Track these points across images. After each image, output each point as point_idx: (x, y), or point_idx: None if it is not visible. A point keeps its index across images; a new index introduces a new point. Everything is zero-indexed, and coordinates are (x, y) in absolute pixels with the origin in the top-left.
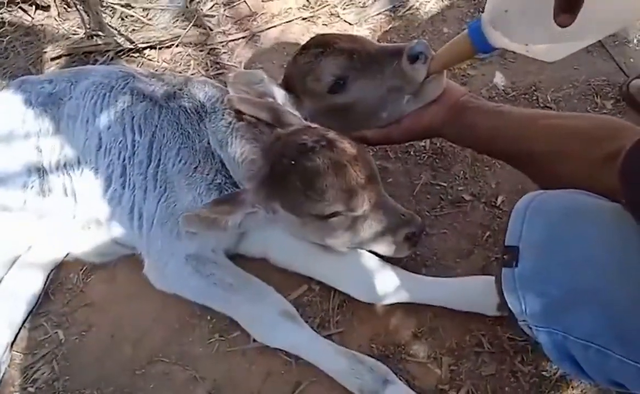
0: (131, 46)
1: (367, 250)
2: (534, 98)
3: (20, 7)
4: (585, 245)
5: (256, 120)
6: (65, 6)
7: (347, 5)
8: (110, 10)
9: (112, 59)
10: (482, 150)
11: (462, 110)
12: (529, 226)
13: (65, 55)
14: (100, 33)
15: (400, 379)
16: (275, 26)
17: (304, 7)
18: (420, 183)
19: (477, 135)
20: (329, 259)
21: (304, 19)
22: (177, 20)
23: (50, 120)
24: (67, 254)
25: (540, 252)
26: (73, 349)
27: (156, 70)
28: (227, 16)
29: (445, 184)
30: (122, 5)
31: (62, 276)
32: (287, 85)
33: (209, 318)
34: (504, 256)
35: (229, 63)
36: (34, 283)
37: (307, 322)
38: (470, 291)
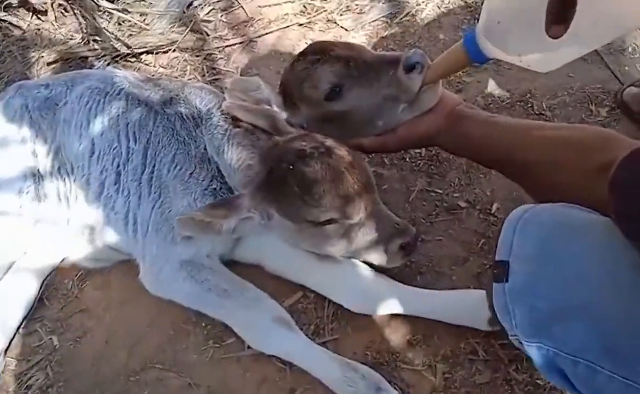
0: (128, 51)
1: (360, 260)
2: (529, 105)
3: (17, 12)
4: (576, 260)
5: (253, 127)
6: (62, 11)
7: (343, 12)
8: (107, 15)
9: (109, 63)
10: (477, 159)
11: (457, 119)
12: (519, 241)
13: (62, 60)
14: (97, 38)
15: (395, 387)
16: (272, 32)
17: (301, 13)
18: (415, 190)
19: (472, 144)
20: (323, 269)
21: (300, 25)
22: (174, 25)
23: (47, 125)
24: (63, 259)
25: (530, 267)
26: (67, 355)
27: (153, 75)
28: (224, 22)
29: (440, 191)
30: (119, 10)
31: (56, 281)
32: (283, 92)
33: (203, 324)
34: (495, 271)
35: (225, 68)
36: (29, 288)
37: (301, 329)
38: (462, 306)
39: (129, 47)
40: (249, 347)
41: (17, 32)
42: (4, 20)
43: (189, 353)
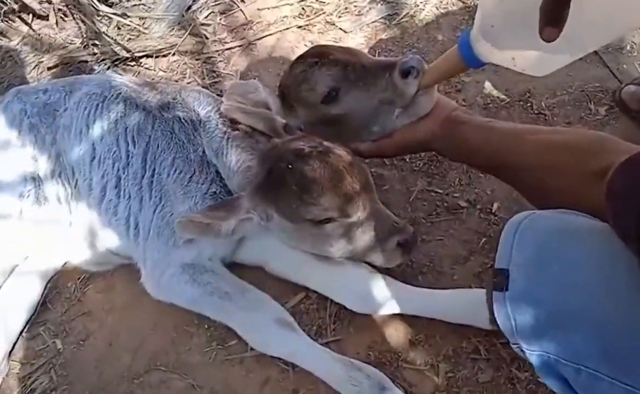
0: (128, 55)
1: (360, 260)
2: (528, 104)
3: (18, 16)
4: (574, 266)
5: (252, 130)
6: (62, 16)
7: (342, 13)
8: (107, 20)
9: (108, 67)
10: (473, 164)
11: (453, 124)
12: (518, 248)
13: (62, 64)
14: (96, 42)
15: (397, 387)
16: (271, 34)
17: (300, 16)
18: (416, 190)
19: (468, 150)
20: (325, 270)
21: (299, 27)
22: (173, 29)
23: (46, 131)
24: (65, 263)
25: (530, 274)
26: (71, 358)
27: (152, 79)
28: (223, 25)
29: (441, 191)
30: (118, 15)
31: (59, 285)
32: (282, 94)
33: (206, 326)
34: (494, 279)
35: (225, 71)
36: (32, 292)
37: (304, 330)
38: (464, 305)
39: (128, 51)
40: (251, 349)
41: (17, 37)
42: (4, 25)
43: (192, 354)
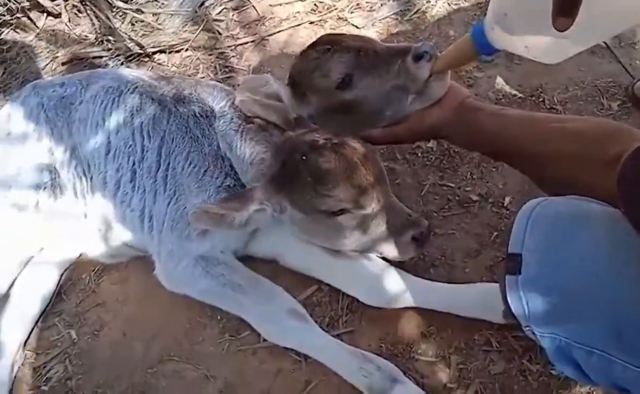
0: (141, 51)
1: (373, 253)
2: (541, 99)
3: (32, 15)
4: (588, 251)
5: (266, 123)
6: (76, 12)
7: (354, 9)
8: (121, 15)
9: (122, 63)
10: (485, 152)
11: (466, 111)
12: (531, 233)
13: (76, 60)
14: (110, 38)
15: (409, 378)
16: (283, 30)
17: (312, 11)
18: (428, 184)
19: (482, 136)
20: (338, 263)
21: (311, 22)
22: (187, 24)
23: (62, 124)
24: (80, 255)
25: (542, 258)
26: (86, 348)
27: (166, 74)
28: (235, 21)
29: (452, 185)
30: (132, 11)
31: (74, 276)
32: (293, 83)
33: (219, 318)
34: (508, 264)
35: (237, 66)
36: (47, 283)
37: (316, 322)
38: (476, 299)
39: (142, 47)
40: (264, 339)
41: (32, 33)
42: (20, 21)
43: (205, 345)
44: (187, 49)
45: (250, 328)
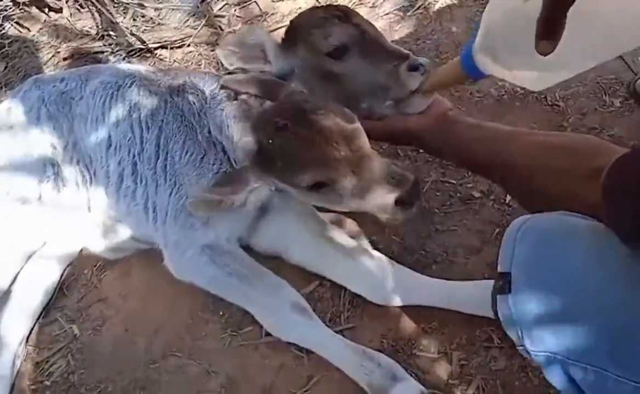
0: (142, 46)
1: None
2: (542, 96)
3: (34, 10)
4: (576, 266)
5: (249, 96)
6: (78, 7)
7: (356, 5)
8: (123, 10)
9: (124, 58)
10: (462, 163)
11: (447, 122)
12: (519, 249)
13: (77, 55)
14: (112, 33)
15: (410, 374)
16: (285, 26)
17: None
18: (429, 181)
19: (459, 147)
20: (341, 259)
21: None
22: (189, 20)
23: (63, 119)
24: (82, 249)
25: (530, 275)
26: (88, 343)
27: (163, 67)
28: (237, 16)
29: (454, 182)
30: (134, 5)
31: (76, 272)
32: (290, 29)
33: (221, 313)
34: (498, 284)
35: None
36: (50, 277)
37: (318, 317)
38: (478, 295)
39: (143, 42)
40: (266, 334)
41: (34, 28)
42: (21, 16)
43: (207, 340)
44: (189, 45)
45: (253, 324)
